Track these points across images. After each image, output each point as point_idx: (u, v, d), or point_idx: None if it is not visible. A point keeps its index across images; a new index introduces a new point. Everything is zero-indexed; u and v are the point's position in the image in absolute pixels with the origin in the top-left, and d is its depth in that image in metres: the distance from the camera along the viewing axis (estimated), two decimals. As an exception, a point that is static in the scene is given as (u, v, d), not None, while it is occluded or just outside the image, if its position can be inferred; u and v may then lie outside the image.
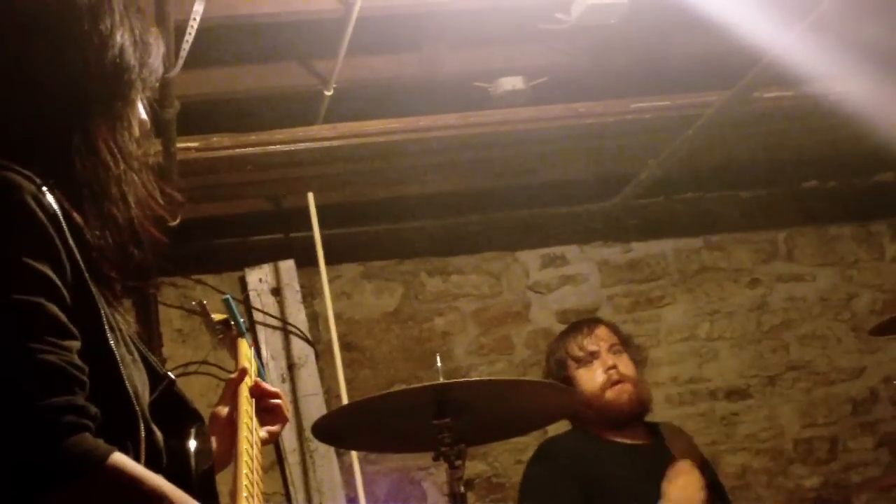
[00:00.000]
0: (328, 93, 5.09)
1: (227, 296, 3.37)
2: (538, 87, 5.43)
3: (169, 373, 2.15)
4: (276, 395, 3.02)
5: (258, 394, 2.99)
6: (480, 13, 4.85)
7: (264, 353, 6.28)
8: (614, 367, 4.70)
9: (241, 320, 3.36)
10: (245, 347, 3.26)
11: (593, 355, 4.73)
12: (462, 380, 3.81)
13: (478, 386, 4.00)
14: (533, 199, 6.88)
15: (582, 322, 5.07)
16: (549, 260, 7.05)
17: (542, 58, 5.33)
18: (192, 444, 2.10)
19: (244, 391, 2.97)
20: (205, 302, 3.42)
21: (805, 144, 6.73)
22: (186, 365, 6.37)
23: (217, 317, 3.35)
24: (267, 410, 3.00)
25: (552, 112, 5.67)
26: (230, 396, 2.98)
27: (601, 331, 4.83)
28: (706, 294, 7.19)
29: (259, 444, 2.82)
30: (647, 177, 6.36)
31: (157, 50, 2.12)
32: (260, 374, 3.27)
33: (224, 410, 2.95)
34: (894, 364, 7.23)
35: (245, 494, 2.50)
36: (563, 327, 5.30)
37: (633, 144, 6.13)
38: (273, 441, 3.05)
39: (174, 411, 2.12)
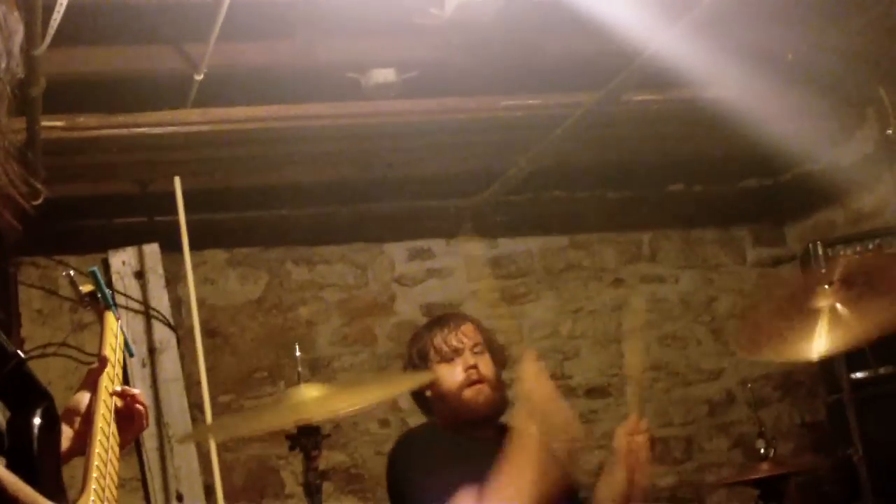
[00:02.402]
0: (199, 77, 5.04)
1: (94, 268, 3.34)
2: (410, 81, 5.42)
3: (18, 352, 2.11)
4: (139, 401, 2.99)
5: (122, 396, 2.96)
6: (355, 4, 4.85)
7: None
8: (475, 366, 4.68)
9: (109, 292, 3.32)
10: (112, 321, 3.23)
11: (456, 352, 4.71)
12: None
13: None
14: (401, 192, 6.88)
15: (449, 316, 5.01)
16: (416, 253, 7.08)
17: (415, 51, 5.32)
18: (37, 422, 2.06)
19: (105, 381, 2.93)
20: (72, 273, 3.40)
21: (673, 148, 6.83)
22: (45, 346, 6.28)
23: (84, 288, 3.32)
24: (127, 415, 2.97)
25: (423, 106, 5.67)
26: (90, 386, 2.95)
27: (467, 328, 4.77)
28: (570, 292, 7.26)
29: (115, 436, 2.80)
30: (515, 174, 6.39)
31: (18, 35, 2.05)
32: (127, 348, 3.25)
33: (83, 401, 2.91)
34: (751, 367, 7.35)
35: (94, 486, 2.48)
36: (426, 321, 5.28)
37: (503, 141, 6.16)
38: (128, 445, 3.02)
39: (22, 391, 2.08)
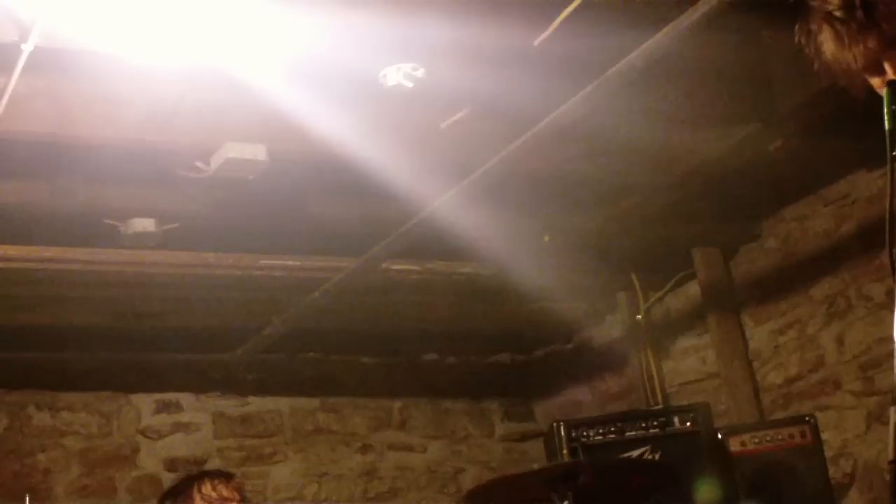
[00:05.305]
0: (-52, 211, 4.92)
1: None
2: (170, 232, 5.37)
3: None
4: None
5: None
6: (119, 151, 4.76)
7: None
8: None
9: None
10: None
11: (225, 500, 4.72)
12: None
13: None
14: (153, 342, 6.77)
15: (218, 470, 5.17)
16: (164, 406, 6.95)
17: (177, 203, 5.28)
18: None
19: None
20: None
21: (429, 318, 6.89)
22: None
23: None
24: None
25: (181, 258, 5.62)
26: None
27: (235, 484, 4.84)
28: (318, 455, 7.21)
29: None
30: (269, 333, 6.38)
31: None
32: None
33: None
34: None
35: None
36: (169, 475, 5.23)
37: (259, 299, 6.15)
38: None
39: None
